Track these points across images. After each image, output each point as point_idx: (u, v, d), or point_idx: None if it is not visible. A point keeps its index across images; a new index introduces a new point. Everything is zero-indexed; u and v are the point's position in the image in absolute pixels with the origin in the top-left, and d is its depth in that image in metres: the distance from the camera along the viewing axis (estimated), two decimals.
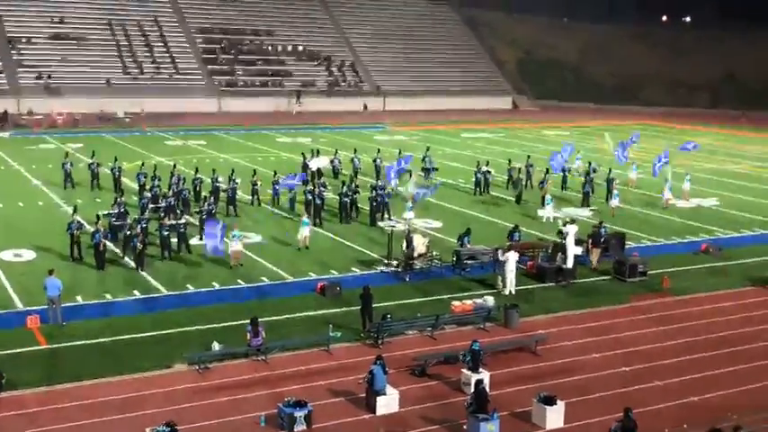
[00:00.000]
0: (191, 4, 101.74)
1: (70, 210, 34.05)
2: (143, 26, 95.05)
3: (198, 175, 42.18)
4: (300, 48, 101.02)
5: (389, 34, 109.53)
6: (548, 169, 46.08)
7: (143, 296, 27.62)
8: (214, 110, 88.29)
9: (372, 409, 19.78)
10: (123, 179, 44.28)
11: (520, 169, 47.21)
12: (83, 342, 23.49)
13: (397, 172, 45.25)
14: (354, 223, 38.64)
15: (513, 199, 44.44)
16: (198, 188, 40.87)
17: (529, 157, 50.16)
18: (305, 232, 33.75)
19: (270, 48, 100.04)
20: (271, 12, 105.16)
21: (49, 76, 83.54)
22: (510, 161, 48.22)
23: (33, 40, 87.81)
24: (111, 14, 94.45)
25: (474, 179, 47.22)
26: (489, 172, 47.02)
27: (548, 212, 39.85)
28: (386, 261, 31.75)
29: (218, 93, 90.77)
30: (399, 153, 51.45)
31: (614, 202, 42.07)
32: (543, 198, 41.75)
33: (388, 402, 19.86)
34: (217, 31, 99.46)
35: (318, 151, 49.98)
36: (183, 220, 33.74)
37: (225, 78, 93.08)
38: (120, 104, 78.12)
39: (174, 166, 44.38)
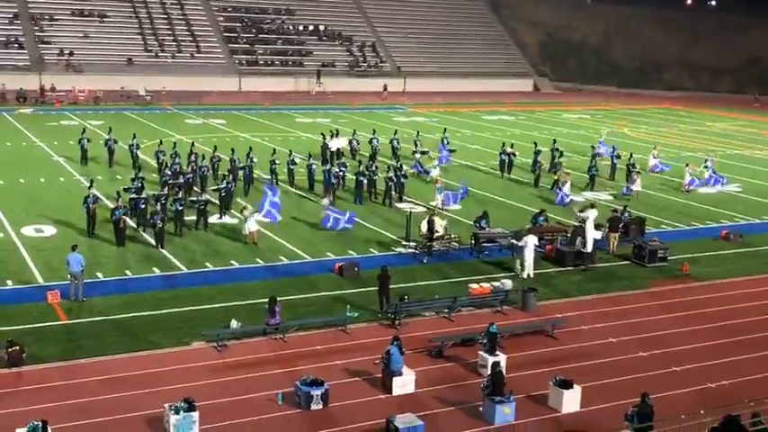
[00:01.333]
0: None
1: (95, 189, 34.14)
2: (165, 4, 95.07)
3: (216, 153, 42.25)
4: (321, 27, 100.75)
5: (411, 15, 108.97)
6: (562, 152, 45.94)
7: (162, 273, 27.79)
8: (234, 89, 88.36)
9: (389, 389, 19.85)
10: (142, 156, 44.49)
11: (540, 152, 46.79)
12: (102, 318, 23.70)
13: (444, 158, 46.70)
14: (369, 203, 38.65)
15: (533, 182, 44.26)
16: (216, 166, 40.91)
17: (555, 141, 49.57)
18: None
19: (291, 27, 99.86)
20: None
21: (71, 53, 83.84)
22: (536, 144, 47.88)
23: (56, 17, 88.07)
24: None
25: (498, 161, 47.03)
26: (514, 154, 46.72)
27: (564, 197, 39.61)
28: (404, 242, 31.76)
29: (239, 72, 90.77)
30: (417, 134, 51.37)
31: (636, 186, 41.78)
32: (556, 182, 41.70)
33: (404, 383, 19.92)
34: (238, 10, 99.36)
35: (338, 131, 49.94)
36: (203, 197, 33.92)
37: (245, 57, 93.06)
38: (141, 82, 78.27)
39: (192, 144, 44.49)
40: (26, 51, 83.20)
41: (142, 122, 62.30)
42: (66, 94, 74.27)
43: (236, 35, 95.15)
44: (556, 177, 42.49)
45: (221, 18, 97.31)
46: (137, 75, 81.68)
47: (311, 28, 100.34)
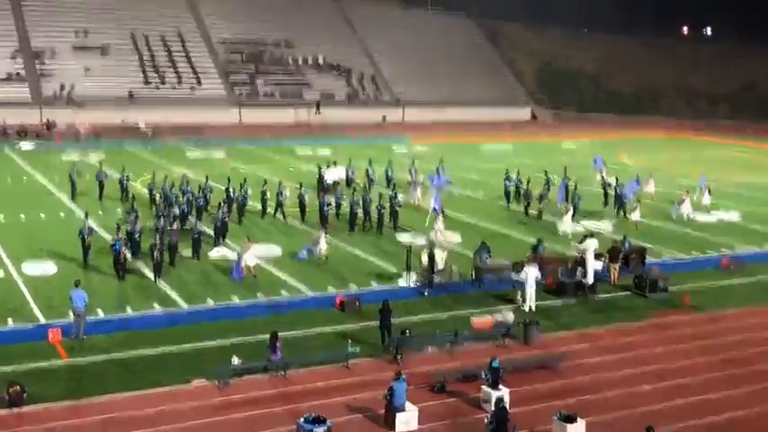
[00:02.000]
0: (212, 16, 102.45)
1: (90, 221, 34.37)
2: (165, 38, 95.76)
3: (208, 183, 42.52)
4: (320, 59, 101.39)
5: (409, 46, 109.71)
6: (548, 180, 46.09)
7: (163, 310, 27.75)
8: (235, 121, 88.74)
9: (392, 425, 19.74)
10: (133, 189, 44.73)
11: (551, 180, 46.79)
12: (104, 356, 23.62)
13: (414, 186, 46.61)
14: (364, 233, 39.03)
15: (537, 212, 44.04)
16: (207, 196, 41.05)
17: (546, 172, 49.65)
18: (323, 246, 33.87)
19: (290, 59, 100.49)
20: (291, 23, 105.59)
21: (72, 88, 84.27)
22: (546, 172, 48.22)
23: (57, 52, 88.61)
24: (134, 27, 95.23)
25: (504, 189, 47.14)
26: (521, 181, 46.56)
27: (566, 227, 39.72)
28: (405, 275, 31.74)
29: (239, 104, 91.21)
30: (413, 163, 51.54)
31: (635, 215, 41.83)
32: (540, 212, 42.53)
33: (407, 419, 19.82)
34: (238, 43, 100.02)
35: (335, 163, 50.29)
36: (197, 227, 34.72)
37: (245, 89, 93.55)
38: (141, 116, 78.56)
39: (184, 175, 45.06)
40: (27, 86, 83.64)
41: (142, 156, 62.46)
42: (67, 128, 74.53)
43: (235, 68, 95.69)
44: (540, 208, 43.01)
45: (221, 51, 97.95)
46: (137, 108, 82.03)
47: (310, 60, 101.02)
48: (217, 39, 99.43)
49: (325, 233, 34.95)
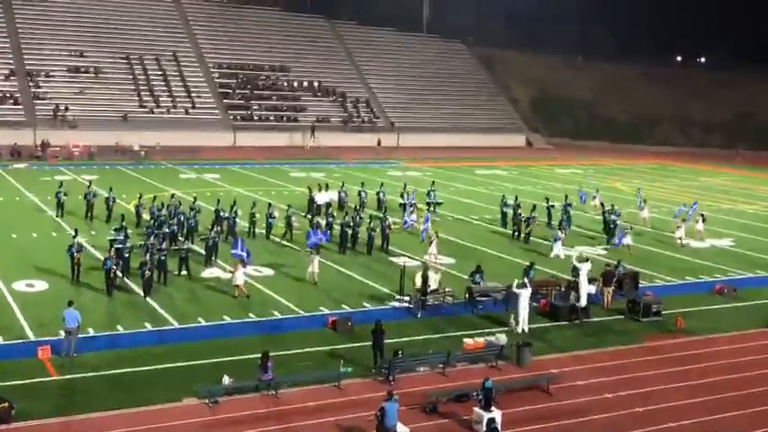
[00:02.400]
0: (208, 39, 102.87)
1: (79, 238, 34.43)
2: (160, 60, 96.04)
3: (196, 204, 42.62)
4: (316, 84, 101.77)
5: (404, 71, 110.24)
6: (535, 206, 46.17)
7: (154, 328, 27.60)
8: (229, 144, 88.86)
9: None
10: (126, 206, 44.78)
11: (517, 205, 46.78)
12: (93, 374, 23.45)
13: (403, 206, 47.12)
14: (351, 253, 39.18)
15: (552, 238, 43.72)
16: (195, 216, 40.94)
17: (548, 199, 49.68)
18: (315, 269, 33.81)
19: (285, 83, 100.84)
20: (287, 48, 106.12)
21: (66, 109, 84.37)
22: (547, 199, 48.60)
23: (51, 74, 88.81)
24: (129, 49, 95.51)
25: (501, 213, 47.38)
26: (519, 206, 46.35)
27: (558, 251, 39.74)
28: (397, 296, 31.66)
29: (234, 127, 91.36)
30: (404, 187, 51.62)
31: (627, 239, 41.85)
32: (528, 235, 43.08)
33: None
34: (233, 67, 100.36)
35: (327, 185, 50.47)
36: (185, 246, 35.16)
37: (240, 113, 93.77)
38: (135, 138, 78.62)
39: (173, 195, 45.47)
40: (21, 107, 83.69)
41: (136, 177, 62.44)
42: (61, 149, 74.54)
43: (231, 91, 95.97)
44: (527, 231, 43.30)
45: (216, 74, 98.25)
46: (132, 130, 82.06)
47: (306, 84, 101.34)
48: (212, 62, 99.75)
49: (318, 256, 34.82)
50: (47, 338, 25.65)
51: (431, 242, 38.31)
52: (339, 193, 50.80)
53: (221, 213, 41.17)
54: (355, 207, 45.35)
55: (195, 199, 44.38)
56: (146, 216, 41.96)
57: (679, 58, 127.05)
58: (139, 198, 44.45)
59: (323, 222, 41.44)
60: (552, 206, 47.64)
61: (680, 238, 43.92)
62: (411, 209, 46.56)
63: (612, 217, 45.04)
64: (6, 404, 20.16)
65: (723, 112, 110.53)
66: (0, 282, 32.23)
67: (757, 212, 57.47)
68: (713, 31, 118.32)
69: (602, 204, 49.34)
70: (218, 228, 38.63)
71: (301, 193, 54.52)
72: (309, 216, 45.55)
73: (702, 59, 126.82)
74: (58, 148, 74.57)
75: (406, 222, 45.02)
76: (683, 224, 44.59)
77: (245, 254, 33.40)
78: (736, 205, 60.25)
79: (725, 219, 53.36)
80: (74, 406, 21.30)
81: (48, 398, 21.79)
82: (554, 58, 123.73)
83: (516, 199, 47.84)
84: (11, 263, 35.33)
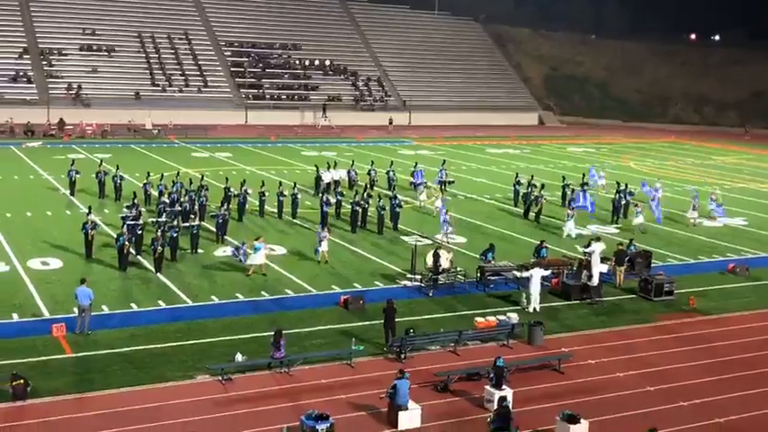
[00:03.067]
0: (220, 17, 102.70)
1: (93, 216, 34.66)
2: (173, 39, 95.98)
3: (203, 182, 42.83)
4: (327, 62, 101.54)
5: (416, 49, 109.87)
6: (544, 185, 45.98)
7: (167, 306, 27.77)
8: (241, 122, 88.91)
9: (394, 423, 19.71)
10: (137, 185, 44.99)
11: (533, 185, 46.64)
12: (108, 351, 23.63)
13: (415, 185, 47.28)
14: (361, 232, 39.25)
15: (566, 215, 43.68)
16: (204, 194, 41.12)
17: (532, 176, 49.50)
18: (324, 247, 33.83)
19: (297, 62, 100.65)
20: (299, 26, 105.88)
21: (79, 87, 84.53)
22: (564, 178, 48.49)
23: (64, 52, 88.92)
24: (141, 27, 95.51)
25: (513, 192, 47.47)
26: (535, 185, 45.99)
27: (570, 229, 39.66)
28: (409, 276, 31.71)
29: (246, 106, 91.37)
30: (414, 166, 51.61)
31: (638, 219, 41.66)
32: (538, 214, 43.04)
33: (410, 417, 19.79)
34: (245, 45, 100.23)
35: (336, 163, 50.55)
36: (196, 222, 35.35)
37: (252, 92, 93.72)
38: (148, 116, 78.75)
39: (178, 173, 45.73)
40: (34, 85, 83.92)
41: (149, 156, 62.60)
42: (74, 128, 74.80)
43: (242, 70, 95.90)
44: (537, 209, 43.30)
45: (228, 53, 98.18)
46: (144, 109, 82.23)
47: (317, 62, 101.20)
48: (224, 40, 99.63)
49: (329, 233, 34.88)
50: (61, 316, 25.85)
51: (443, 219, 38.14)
52: (349, 171, 50.79)
53: (230, 192, 41.29)
54: (365, 186, 45.39)
55: (202, 177, 44.51)
56: (155, 193, 42.03)
57: (693, 36, 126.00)
58: (147, 176, 44.59)
59: (333, 200, 41.44)
60: (568, 185, 47.46)
61: (693, 218, 43.75)
62: (422, 188, 46.62)
63: (628, 197, 44.84)
64: (22, 381, 20.35)
65: (737, 91, 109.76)
66: (15, 260, 32.47)
67: None
68: (727, 8, 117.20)
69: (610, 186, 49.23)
70: (228, 206, 38.75)
71: (312, 172, 54.54)
72: (318, 194, 45.64)
73: (716, 37, 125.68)
74: (71, 127, 74.86)
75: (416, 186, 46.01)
76: (695, 202, 44.41)
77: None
78: (748, 184, 59.93)
79: (738, 198, 53.10)
80: (88, 383, 21.48)
81: (62, 375, 21.98)
82: (567, 36, 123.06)
83: (532, 178, 47.62)
84: (25, 241, 35.57)
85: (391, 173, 50.13)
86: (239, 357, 22.72)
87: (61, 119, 75.75)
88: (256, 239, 32.11)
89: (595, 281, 30.29)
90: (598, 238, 32.81)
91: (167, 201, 39.08)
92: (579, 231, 39.70)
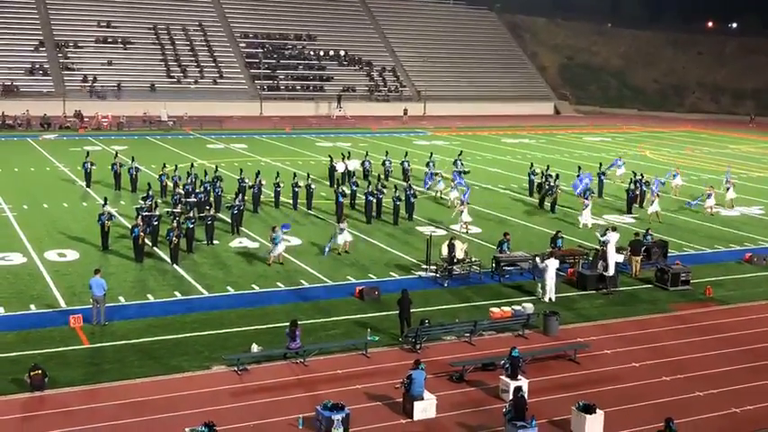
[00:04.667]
0: (235, 9, 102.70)
1: (109, 207, 34.90)
2: (188, 31, 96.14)
3: (217, 174, 42.84)
4: (342, 53, 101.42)
5: (431, 39, 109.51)
6: (558, 175, 45.75)
7: (183, 297, 27.89)
8: (256, 113, 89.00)
9: (410, 414, 19.74)
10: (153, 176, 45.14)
11: (548, 175, 46.37)
12: (124, 342, 23.77)
13: (430, 176, 47.02)
14: (376, 223, 39.25)
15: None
16: (218, 185, 41.15)
17: (548, 167, 49.12)
18: (346, 238, 33.87)
19: (311, 53, 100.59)
20: (313, 17, 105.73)
21: (95, 80, 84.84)
22: (579, 168, 48.41)
23: (80, 44, 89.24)
24: (156, 19, 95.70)
25: (529, 182, 47.55)
26: (551, 176, 45.38)
27: (586, 219, 39.52)
28: (424, 266, 31.71)
29: (260, 97, 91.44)
30: (430, 156, 51.56)
31: (653, 207, 41.46)
32: (553, 204, 42.93)
33: (425, 408, 19.81)
34: (260, 36, 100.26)
35: (350, 154, 50.60)
36: (211, 213, 35.46)
37: (267, 83, 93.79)
38: (163, 108, 78.95)
39: (192, 165, 45.70)
40: (50, 78, 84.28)
41: (164, 147, 62.80)
42: (90, 120, 75.11)
43: (257, 61, 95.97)
44: (552, 199, 43.29)
45: (243, 44, 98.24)
46: (159, 100, 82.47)
47: (332, 53, 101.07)
48: (238, 31, 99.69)
49: (347, 225, 34.93)
50: (78, 307, 26.01)
51: (461, 212, 38.18)
52: (363, 162, 50.74)
53: (244, 183, 41.30)
54: (379, 176, 45.37)
55: (217, 168, 44.70)
56: (170, 185, 42.18)
57: (710, 25, 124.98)
58: (163, 167, 44.74)
59: (347, 191, 41.48)
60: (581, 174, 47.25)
61: (710, 207, 43.51)
62: (438, 178, 46.57)
63: (643, 188, 44.65)
64: (40, 372, 20.50)
65: (753, 79, 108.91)
66: (32, 251, 32.69)
67: None
68: None
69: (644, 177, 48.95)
70: (242, 197, 38.81)
71: (327, 163, 54.53)
72: (333, 185, 45.72)
73: (733, 25, 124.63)
74: (87, 119, 75.14)
75: (426, 183, 46.00)
76: (712, 192, 44.12)
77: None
78: (766, 173, 59.50)
79: (755, 187, 52.73)
80: (105, 374, 21.62)
81: (80, 366, 22.13)
82: (582, 25, 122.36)
83: (548, 168, 47.42)
84: (42, 233, 35.80)
85: (406, 163, 50.11)
86: (255, 348, 22.79)
87: (76, 111, 76.06)
88: (273, 229, 32.25)
89: (611, 271, 30.18)
90: (614, 228, 32.67)
91: (182, 192, 39.25)
92: (595, 221, 39.56)
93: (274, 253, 31.73)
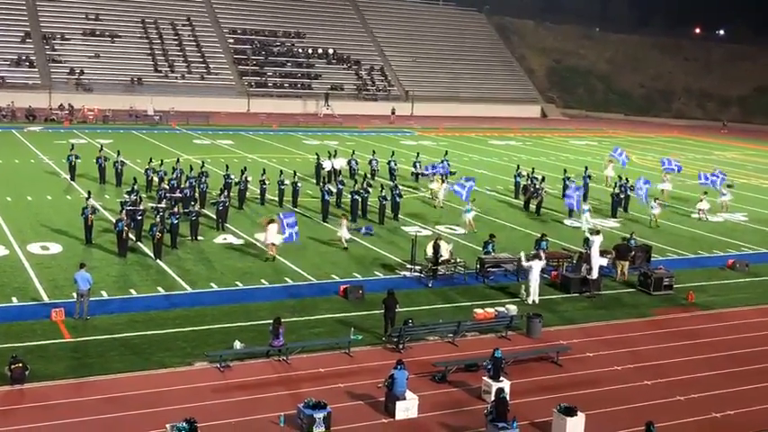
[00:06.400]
0: (224, 4, 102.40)
1: (93, 201, 34.74)
2: (176, 25, 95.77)
3: (203, 169, 42.85)
4: (330, 51, 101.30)
5: (420, 40, 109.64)
6: (544, 178, 45.92)
7: (166, 293, 27.79)
8: (243, 110, 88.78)
9: (392, 413, 19.74)
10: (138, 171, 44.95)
11: (534, 178, 46.51)
12: (106, 336, 23.66)
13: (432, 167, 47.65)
14: (362, 222, 39.09)
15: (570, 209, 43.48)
16: (204, 181, 41.29)
17: (533, 169, 49.30)
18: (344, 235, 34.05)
19: (300, 50, 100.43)
20: (302, 14, 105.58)
21: (82, 72, 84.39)
22: (565, 171, 48.57)
23: (67, 37, 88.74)
24: (144, 13, 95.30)
25: (515, 184, 47.67)
26: (536, 178, 45.57)
27: (587, 220, 39.59)
28: (409, 266, 31.72)
29: (248, 93, 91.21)
30: (417, 156, 51.62)
31: (656, 209, 41.88)
32: (538, 207, 43.05)
33: (407, 407, 19.82)
34: (248, 33, 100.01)
35: (336, 152, 50.53)
36: (196, 209, 35.47)
37: (254, 79, 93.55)
38: (150, 102, 78.63)
39: (178, 160, 45.52)
40: (36, 70, 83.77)
41: (150, 142, 62.54)
42: (76, 112, 74.67)
43: (245, 57, 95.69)
44: (537, 202, 43.27)
45: (231, 40, 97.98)
46: (146, 95, 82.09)
47: (320, 51, 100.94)
48: (227, 27, 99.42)
49: (347, 221, 35.07)
50: (61, 301, 25.88)
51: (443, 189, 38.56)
52: (349, 161, 50.74)
53: (230, 179, 41.25)
54: (365, 175, 45.38)
55: (203, 164, 44.63)
56: (156, 179, 42.06)
57: (697, 31, 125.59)
58: (149, 162, 44.60)
59: (334, 189, 41.49)
60: (568, 178, 47.35)
61: (700, 211, 43.88)
62: (432, 177, 46.58)
63: (628, 192, 44.90)
64: (20, 365, 20.37)
65: (740, 86, 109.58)
66: (15, 244, 32.49)
67: None
68: (732, 3, 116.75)
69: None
70: (228, 193, 38.72)
71: (314, 161, 54.49)
72: (319, 183, 45.70)
73: (721, 32, 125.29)
74: (67, 111, 74.64)
75: (427, 169, 47.05)
76: (705, 197, 44.49)
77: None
78: (749, 179, 59.89)
79: (738, 193, 53.02)
80: (86, 368, 21.51)
81: (61, 359, 22.01)
82: (570, 29, 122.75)
83: (533, 171, 47.55)
84: (25, 225, 35.58)
85: (392, 163, 50.14)
86: (238, 345, 22.74)
87: (63, 104, 75.61)
88: (270, 221, 32.37)
89: (595, 274, 30.28)
90: (597, 232, 32.79)
91: (167, 187, 39.10)
92: (580, 225, 39.68)
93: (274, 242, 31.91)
